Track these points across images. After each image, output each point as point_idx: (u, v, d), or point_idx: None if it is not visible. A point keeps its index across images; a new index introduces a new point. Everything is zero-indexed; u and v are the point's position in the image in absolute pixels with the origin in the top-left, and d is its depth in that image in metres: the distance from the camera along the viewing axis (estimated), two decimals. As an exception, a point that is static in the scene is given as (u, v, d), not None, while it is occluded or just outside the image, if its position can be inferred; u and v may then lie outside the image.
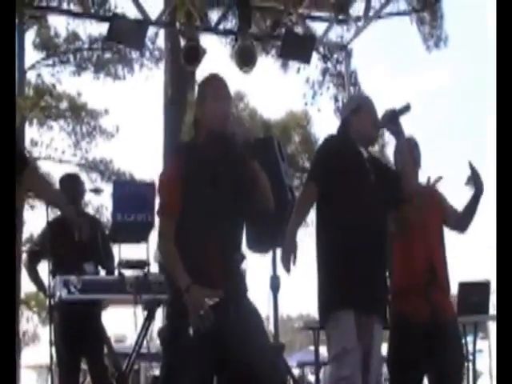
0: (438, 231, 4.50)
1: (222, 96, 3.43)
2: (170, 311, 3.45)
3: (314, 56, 12.60)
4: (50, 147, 19.08)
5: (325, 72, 13.55)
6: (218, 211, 3.30)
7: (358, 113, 4.14)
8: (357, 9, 8.73)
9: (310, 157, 14.62)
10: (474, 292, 6.14)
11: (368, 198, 3.89)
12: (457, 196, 4.60)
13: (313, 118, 15.21)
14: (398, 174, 4.11)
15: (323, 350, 4.64)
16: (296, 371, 20.63)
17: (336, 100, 13.51)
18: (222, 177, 3.34)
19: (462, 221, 4.52)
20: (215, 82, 3.50)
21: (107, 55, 18.87)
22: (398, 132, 4.17)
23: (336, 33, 11.05)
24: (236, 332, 3.19)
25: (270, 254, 5.40)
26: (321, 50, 12.45)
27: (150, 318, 5.30)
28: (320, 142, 4.35)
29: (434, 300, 4.21)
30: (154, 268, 5.77)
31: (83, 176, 19.06)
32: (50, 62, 19.50)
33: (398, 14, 10.32)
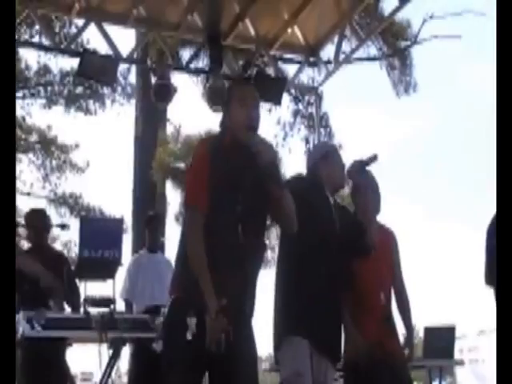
0: (390, 273, 4.61)
1: (248, 102, 3.29)
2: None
3: (286, 97, 12.78)
4: (18, 180, 18.94)
5: (296, 113, 13.70)
6: (241, 219, 3.17)
7: (326, 159, 4.21)
8: (328, 52, 8.91)
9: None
10: (439, 336, 6.19)
11: (331, 245, 3.95)
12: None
13: (283, 158, 15.34)
14: (361, 226, 4.12)
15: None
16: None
17: (307, 142, 13.64)
18: (247, 184, 3.19)
19: (395, 296, 4.66)
20: (243, 87, 3.46)
21: (79, 89, 18.88)
22: (364, 184, 4.25)
23: (307, 75, 11.24)
24: (232, 355, 3.08)
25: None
26: (292, 91, 12.63)
27: (115, 357, 5.23)
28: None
29: (386, 346, 4.30)
30: (120, 306, 5.75)
31: (52, 210, 18.97)
32: (21, 94, 19.44)
33: (369, 59, 10.48)
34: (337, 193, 4.28)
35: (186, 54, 9.84)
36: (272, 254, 14.38)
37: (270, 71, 8.72)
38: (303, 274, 3.89)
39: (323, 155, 4.24)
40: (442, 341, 6.14)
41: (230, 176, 3.19)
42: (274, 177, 3.24)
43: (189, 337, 3.06)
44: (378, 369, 4.16)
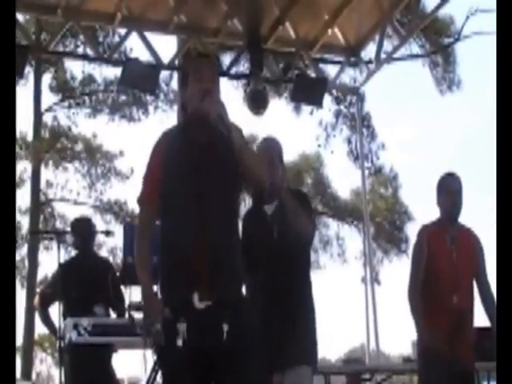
0: (469, 281, 4.57)
1: (202, 76, 3.14)
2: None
3: (328, 98, 12.74)
4: (65, 188, 19.26)
5: (338, 114, 13.65)
6: (205, 197, 3.04)
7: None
8: (369, 51, 8.84)
9: (323, 199, 14.62)
10: (487, 337, 6.04)
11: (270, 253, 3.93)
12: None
13: (325, 160, 15.34)
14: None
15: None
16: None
17: (349, 142, 13.59)
18: (207, 159, 3.09)
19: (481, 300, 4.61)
20: (196, 62, 3.27)
21: (122, 97, 19.10)
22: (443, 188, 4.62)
23: (349, 75, 11.19)
24: (224, 351, 2.97)
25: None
26: (334, 92, 12.57)
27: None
28: (333, 183, 4.36)
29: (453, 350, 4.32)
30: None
31: (97, 217, 19.20)
32: (66, 104, 19.78)
33: (411, 56, 10.37)
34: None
35: (226, 58, 9.86)
36: (315, 256, 14.43)
37: (311, 73, 8.67)
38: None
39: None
40: (490, 342, 5.98)
41: (188, 153, 3.11)
42: (225, 126, 3.03)
43: (179, 343, 2.95)
44: (443, 370, 4.23)
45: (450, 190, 4.56)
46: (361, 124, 9.58)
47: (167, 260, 3.11)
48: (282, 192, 3.90)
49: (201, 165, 3.09)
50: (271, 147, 4.04)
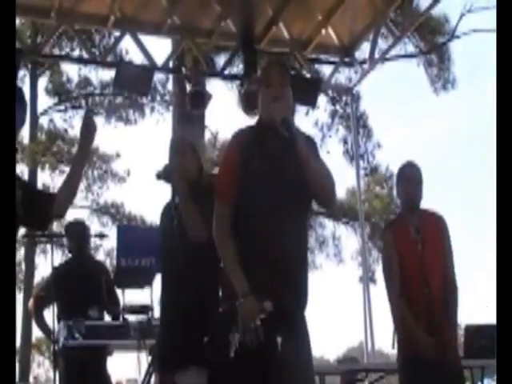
0: (441, 268, 4.41)
1: (274, 82, 3.14)
2: (214, 322, 3.23)
3: (323, 99, 12.74)
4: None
5: (334, 114, 13.65)
6: (278, 208, 2.99)
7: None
8: (365, 51, 8.84)
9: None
10: (481, 335, 6.05)
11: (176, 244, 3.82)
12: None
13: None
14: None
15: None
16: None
17: (345, 142, 13.58)
18: (277, 168, 3.05)
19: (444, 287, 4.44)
20: (270, 69, 3.24)
21: (118, 100, 19.09)
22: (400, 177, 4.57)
23: (345, 75, 11.18)
24: (281, 361, 2.89)
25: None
26: (329, 92, 12.57)
27: (154, 364, 5.25)
28: None
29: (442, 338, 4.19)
30: (158, 313, 5.75)
31: (94, 220, 19.19)
32: (62, 107, 19.77)
33: (405, 56, 10.38)
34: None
35: (220, 59, 9.85)
36: (311, 256, 14.43)
37: (306, 73, 8.67)
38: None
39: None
40: (484, 339, 5.98)
41: (264, 161, 3.07)
42: (289, 131, 3.03)
43: (231, 354, 2.89)
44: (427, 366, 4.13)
45: (408, 179, 4.48)
46: (355, 124, 9.59)
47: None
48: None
49: (273, 174, 3.05)
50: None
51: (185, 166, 3.87)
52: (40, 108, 19.40)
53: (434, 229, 4.44)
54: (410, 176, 4.50)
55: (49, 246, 6.12)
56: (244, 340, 2.86)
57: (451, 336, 4.29)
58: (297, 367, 2.92)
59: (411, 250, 4.34)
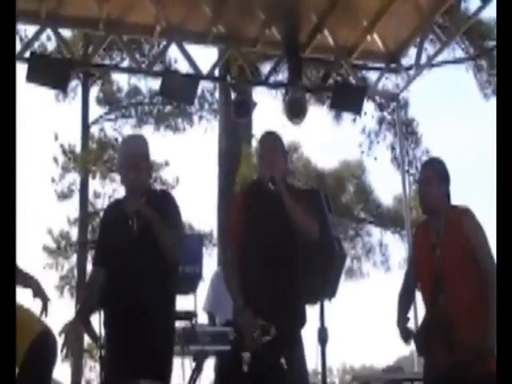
0: (462, 274, 3.96)
1: (266, 152, 4.07)
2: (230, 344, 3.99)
3: (371, 105, 12.67)
4: (112, 199, 19.49)
5: (381, 121, 13.56)
6: (273, 248, 3.79)
7: (120, 166, 4.19)
8: (411, 57, 8.77)
9: (366, 206, 14.53)
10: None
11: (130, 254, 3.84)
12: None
13: (368, 167, 15.24)
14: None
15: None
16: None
17: (393, 149, 13.47)
18: (270, 219, 3.88)
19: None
20: (263, 140, 4.18)
21: (167, 108, 19.28)
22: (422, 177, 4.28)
23: (392, 81, 11.11)
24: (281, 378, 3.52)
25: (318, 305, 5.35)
26: (377, 99, 12.51)
27: (197, 370, 5.30)
28: (376, 191, 4.52)
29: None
30: (203, 319, 5.80)
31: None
32: (113, 116, 20.06)
33: (453, 62, 10.25)
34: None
35: (265, 68, 9.88)
36: (358, 264, 14.36)
37: (351, 80, 8.64)
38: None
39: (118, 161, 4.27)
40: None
41: (258, 211, 3.90)
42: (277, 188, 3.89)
43: (245, 369, 3.47)
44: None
45: (420, 180, 4.24)
46: (401, 130, 9.52)
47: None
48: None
49: (268, 224, 3.87)
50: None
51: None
52: (91, 117, 19.74)
53: (457, 227, 3.98)
54: (422, 177, 4.23)
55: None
56: (250, 348, 3.50)
57: (478, 349, 3.70)
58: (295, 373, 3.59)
59: (427, 255, 4.03)
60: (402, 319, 4.11)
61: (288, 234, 3.89)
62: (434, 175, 4.16)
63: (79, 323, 3.89)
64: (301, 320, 3.85)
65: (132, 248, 3.81)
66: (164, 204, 3.91)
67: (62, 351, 3.65)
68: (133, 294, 3.72)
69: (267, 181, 3.91)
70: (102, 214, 4.33)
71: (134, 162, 3.92)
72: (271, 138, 4.17)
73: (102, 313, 3.85)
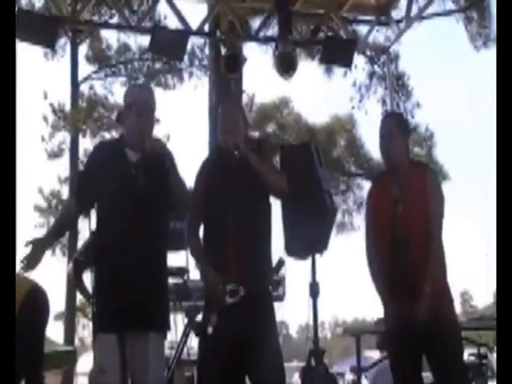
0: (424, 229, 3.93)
1: (223, 116, 4.11)
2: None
3: (361, 59, 12.59)
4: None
5: (372, 75, 13.49)
6: (237, 208, 3.82)
7: (130, 110, 3.83)
8: (401, 10, 8.68)
9: (357, 160, 14.53)
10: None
11: (132, 205, 3.66)
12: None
13: (359, 121, 15.16)
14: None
15: (372, 354, 4.59)
16: (350, 376, 20.58)
17: (384, 103, 13.43)
18: (235, 180, 3.92)
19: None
20: (224, 108, 4.18)
21: (157, 65, 19.13)
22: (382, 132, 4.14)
23: (383, 34, 11.01)
24: (250, 336, 3.64)
25: (309, 259, 5.38)
26: (368, 52, 12.41)
27: (190, 325, 5.34)
28: (366, 145, 4.39)
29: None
30: (195, 275, 5.82)
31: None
32: (102, 74, 19.91)
33: (443, 14, 10.18)
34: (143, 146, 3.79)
35: (255, 22, 9.76)
36: (349, 218, 14.42)
37: (342, 34, 8.56)
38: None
39: (127, 105, 3.87)
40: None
41: (220, 177, 3.94)
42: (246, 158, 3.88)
43: (209, 331, 3.61)
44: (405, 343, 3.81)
45: (381, 134, 4.08)
46: (391, 83, 9.47)
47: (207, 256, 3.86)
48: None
49: (231, 184, 3.89)
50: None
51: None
52: (80, 76, 19.57)
53: (420, 185, 3.95)
54: (385, 131, 4.08)
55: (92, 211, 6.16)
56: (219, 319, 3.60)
57: (432, 296, 3.76)
58: (265, 344, 3.65)
59: (389, 209, 3.93)
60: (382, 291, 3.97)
61: (254, 196, 3.91)
62: (396, 129, 4.07)
63: (48, 242, 3.76)
64: (266, 279, 3.92)
65: (133, 200, 3.64)
66: (169, 153, 3.80)
67: (22, 262, 3.51)
68: (132, 248, 3.59)
69: (231, 147, 3.93)
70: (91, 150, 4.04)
71: (146, 111, 3.82)
72: (230, 104, 4.35)
73: (95, 270, 3.74)
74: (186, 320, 5.22)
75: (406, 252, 3.83)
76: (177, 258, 5.43)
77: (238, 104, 4.27)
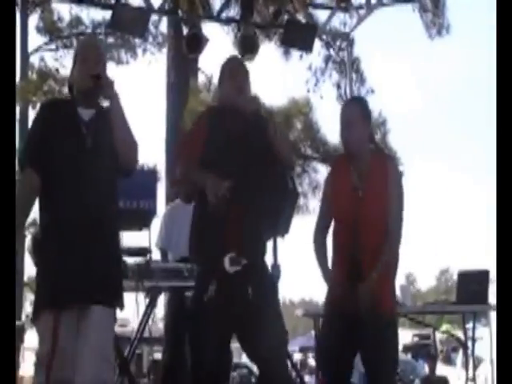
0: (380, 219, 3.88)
1: (235, 75, 3.76)
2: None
3: (317, 43, 12.65)
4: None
5: (328, 59, 13.58)
6: (234, 174, 3.51)
7: (76, 63, 3.57)
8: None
9: (313, 144, 14.61)
10: (472, 281, 6.18)
11: (82, 165, 3.35)
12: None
13: (315, 105, 15.26)
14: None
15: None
16: (298, 356, 20.85)
17: (339, 87, 13.55)
18: (242, 145, 3.65)
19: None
20: (230, 63, 3.86)
21: (110, 40, 18.90)
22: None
23: (339, 20, 11.10)
24: (249, 309, 3.47)
25: (271, 242, 5.47)
26: (324, 37, 12.50)
27: (151, 305, 5.37)
28: (322, 129, 4.38)
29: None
30: (156, 255, 5.85)
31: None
32: (53, 46, 19.58)
33: (400, 1, 10.29)
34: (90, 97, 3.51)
35: (217, 3, 9.75)
36: (304, 201, 14.53)
37: (301, 18, 8.63)
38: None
39: (74, 57, 3.63)
40: (475, 285, 6.09)
41: (221, 137, 3.66)
42: (261, 124, 3.66)
43: (205, 299, 3.48)
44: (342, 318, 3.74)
45: (341, 120, 3.95)
46: (350, 69, 9.58)
47: (202, 227, 3.69)
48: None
49: (238, 150, 3.63)
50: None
51: None
52: (30, 47, 19.24)
53: (380, 174, 3.90)
54: (345, 118, 3.96)
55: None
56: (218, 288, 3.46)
57: (379, 286, 3.74)
58: (264, 312, 3.51)
59: (348, 197, 3.86)
60: (328, 272, 3.89)
61: (254, 161, 3.65)
62: (356, 116, 3.97)
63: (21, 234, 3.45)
64: (265, 249, 3.79)
65: (83, 160, 3.33)
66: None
67: None
68: (81, 212, 3.26)
69: (243, 109, 3.64)
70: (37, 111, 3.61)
71: (90, 53, 3.50)
72: (238, 62, 4.00)
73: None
74: (147, 300, 5.26)
75: (363, 239, 3.77)
76: (139, 238, 5.45)
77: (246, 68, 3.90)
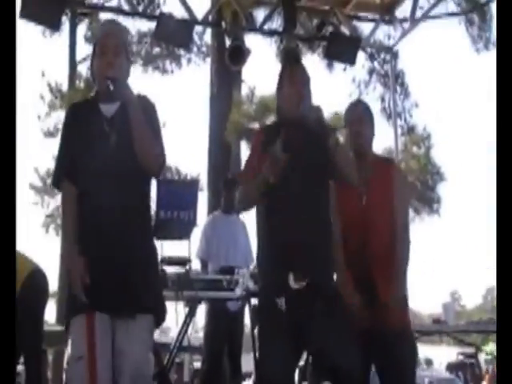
0: (386, 224, 3.86)
1: (295, 81, 3.54)
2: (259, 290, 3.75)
3: (361, 55, 12.64)
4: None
5: (371, 72, 13.56)
6: (300, 193, 3.39)
7: (95, 53, 3.45)
8: (406, 9, 8.74)
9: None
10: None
11: (107, 164, 3.19)
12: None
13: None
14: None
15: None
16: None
17: (382, 100, 13.51)
18: (302, 159, 3.39)
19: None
20: (290, 69, 3.65)
21: (156, 50, 19.09)
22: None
23: (384, 32, 11.08)
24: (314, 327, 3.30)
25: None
26: (368, 49, 12.47)
27: (191, 315, 5.41)
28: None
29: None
30: (196, 265, 5.90)
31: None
32: (101, 55, 19.78)
33: (446, 15, 10.22)
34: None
35: (260, 15, 9.79)
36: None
37: (345, 30, 8.62)
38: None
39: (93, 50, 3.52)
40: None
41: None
42: (324, 135, 3.38)
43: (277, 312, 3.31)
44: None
45: (348, 120, 3.94)
46: (394, 82, 9.54)
47: (268, 245, 3.48)
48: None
49: (297, 164, 3.36)
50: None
51: None
52: (78, 56, 19.51)
53: (384, 180, 3.87)
54: (354, 116, 3.95)
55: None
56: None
57: (393, 298, 3.72)
58: (331, 330, 3.29)
59: (353, 202, 3.83)
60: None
61: (320, 179, 3.50)
62: (365, 115, 3.98)
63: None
64: (331, 268, 3.55)
65: (108, 159, 3.18)
66: (153, 109, 3.45)
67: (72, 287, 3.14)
68: (109, 214, 3.12)
69: (304, 119, 3.38)
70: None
71: (109, 46, 3.37)
72: (298, 66, 3.69)
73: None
74: (186, 309, 5.29)
75: (371, 246, 3.76)
76: (179, 248, 5.49)
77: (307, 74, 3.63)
